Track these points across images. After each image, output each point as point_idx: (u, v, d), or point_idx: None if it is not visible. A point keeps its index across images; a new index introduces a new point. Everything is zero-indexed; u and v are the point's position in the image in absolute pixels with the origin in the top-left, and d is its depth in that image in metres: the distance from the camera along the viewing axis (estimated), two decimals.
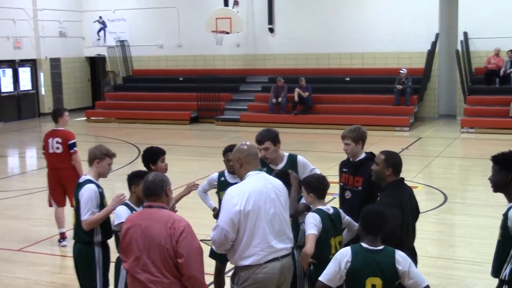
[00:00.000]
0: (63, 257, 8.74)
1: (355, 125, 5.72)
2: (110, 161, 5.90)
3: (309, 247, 4.77)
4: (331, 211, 5.01)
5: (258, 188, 4.61)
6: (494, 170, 4.50)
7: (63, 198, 9.00)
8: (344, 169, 5.73)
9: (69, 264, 8.36)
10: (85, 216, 5.58)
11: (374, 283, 4.13)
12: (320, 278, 4.27)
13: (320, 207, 5.00)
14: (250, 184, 4.64)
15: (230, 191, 4.66)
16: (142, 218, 4.28)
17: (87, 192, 5.62)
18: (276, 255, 4.63)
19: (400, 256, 4.20)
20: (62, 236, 8.95)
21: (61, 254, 8.83)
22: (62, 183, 8.89)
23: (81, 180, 5.83)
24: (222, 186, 6.01)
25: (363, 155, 5.63)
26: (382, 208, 4.44)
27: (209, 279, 7.14)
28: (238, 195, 4.55)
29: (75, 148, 8.86)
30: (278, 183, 4.81)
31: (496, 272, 4.42)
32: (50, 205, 9.18)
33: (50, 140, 8.92)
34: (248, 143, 4.90)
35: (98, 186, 5.74)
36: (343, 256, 4.23)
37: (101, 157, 5.83)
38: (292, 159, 5.78)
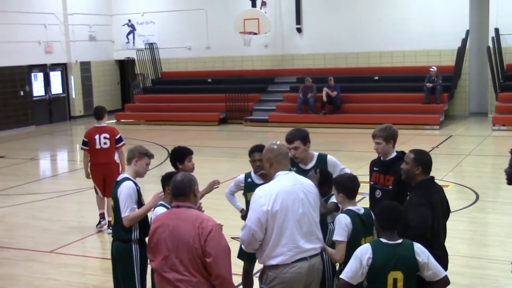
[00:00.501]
0: (94, 258, 8.83)
1: (386, 124, 5.69)
2: (148, 160, 5.97)
3: (340, 257, 4.80)
4: (361, 211, 4.97)
5: (287, 188, 4.62)
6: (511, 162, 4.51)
7: (106, 189, 9.65)
8: (375, 168, 5.69)
9: (100, 265, 8.45)
10: (125, 213, 5.65)
11: (395, 277, 4.20)
12: (342, 276, 4.33)
13: (350, 207, 4.97)
14: (278, 184, 4.65)
15: (258, 191, 4.67)
16: (170, 218, 4.31)
17: (125, 189, 5.69)
18: (304, 255, 4.62)
19: (419, 248, 4.27)
20: (102, 217, 9.81)
21: (92, 256, 8.93)
22: (105, 176, 9.57)
23: (119, 178, 5.91)
24: (249, 187, 6.00)
25: (394, 154, 5.59)
26: (395, 203, 4.48)
27: (237, 279, 7.14)
28: (266, 196, 4.57)
29: (123, 142, 9.74)
30: (308, 183, 4.81)
31: None
32: (96, 192, 9.96)
33: (97, 136, 9.55)
34: (278, 142, 4.90)
35: (136, 184, 5.82)
36: (363, 252, 4.29)
37: (140, 156, 5.91)
38: (322, 159, 5.76)
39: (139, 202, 5.78)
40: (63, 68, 25.22)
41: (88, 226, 10.17)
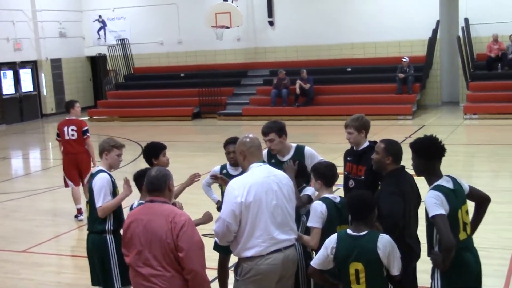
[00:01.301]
0: (68, 256, 8.76)
1: (358, 114, 5.71)
2: (118, 151, 5.98)
3: (315, 243, 4.86)
4: (337, 199, 5.01)
5: (260, 180, 4.63)
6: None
7: (78, 178, 10.23)
8: (348, 158, 5.72)
9: (74, 263, 8.38)
10: (99, 203, 5.70)
11: (357, 268, 4.25)
12: (311, 263, 4.48)
13: (326, 195, 5.01)
14: (252, 176, 4.67)
15: (232, 183, 4.69)
16: (144, 212, 4.32)
17: (100, 181, 5.75)
18: (278, 246, 4.63)
19: (383, 242, 4.25)
20: (79, 212, 10.12)
21: (66, 254, 8.85)
22: (78, 165, 10.19)
23: (94, 171, 6.00)
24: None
25: (366, 144, 5.61)
26: (363, 193, 4.49)
27: (213, 273, 7.14)
28: (239, 187, 4.58)
29: (88, 134, 10.25)
30: (282, 175, 4.82)
31: (428, 251, 4.54)
32: (67, 186, 10.37)
33: (65, 128, 10.18)
34: (251, 135, 4.91)
35: (110, 176, 5.86)
36: (330, 242, 4.39)
37: (109, 149, 5.93)
38: (300, 150, 5.79)
39: (114, 194, 5.81)
40: (33, 65, 24.91)
41: (61, 224, 10.08)
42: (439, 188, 4.41)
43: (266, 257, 4.58)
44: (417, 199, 5.17)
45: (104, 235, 5.75)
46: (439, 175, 4.54)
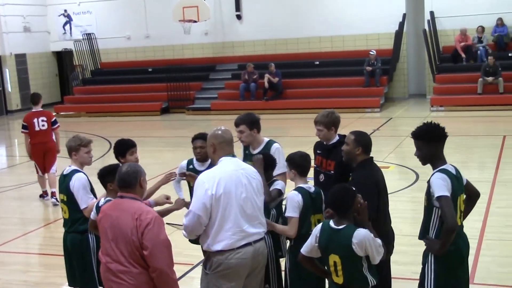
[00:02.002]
0: (35, 255, 8.63)
1: (329, 110, 5.68)
2: (86, 149, 5.86)
3: (294, 232, 4.95)
4: (312, 189, 5.06)
5: (229, 172, 4.63)
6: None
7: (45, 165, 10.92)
8: (318, 151, 5.72)
9: (42, 261, 8.26)
10: (84, 204, 5.61)
11: (335, 260, 4.29)
12: (301, 250, 4.51)
13: (301, 185, 5.05)
14: (221, 169, 4.66)
15: (201, 176, 4.66)
16: (113, 208, 4.32)
17: (78, 182, 5.64)
18: (248, 240, 4.63)
19: (359, 237, 4.21)
20: (53, 194, 10.60)
21: (34, 253, 8.72)
22: (45, 154, 10.85)
23: (65, 172, 5.80)
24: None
25: (336, 139, 5.61)
26: (344, 186, 4.47)
27: (184, 268, 7.11)
28: (209, 180, 4.56)
29: (58, 124, 11.06)
30: (251, 169, 4.82)
31: (422, 235, 4.69)
32: (37, 172, 11.01)
33: (35, 119, 10.78)
34: (223, 128, 4.89)
35: (85, 174, 5.77)
36: (316, 230, 4.44)
37: (76, 148, 5.83)
38: (268, 145, 5.79)
39: (92, 191, 5.73)
40: None
41: (29, 222, 9.94)
42: (446, 172, 4.49)
43: (236, 250, 4.57)
44: (386, 191, 5.20)
45: (86, 234, 5.64)
46: (444, 160, 4.61)
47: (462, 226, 4.63)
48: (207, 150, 4.99)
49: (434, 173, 4.52)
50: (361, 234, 4.23)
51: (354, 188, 4.40)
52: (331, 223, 4.34)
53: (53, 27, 26.48)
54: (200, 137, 5.94)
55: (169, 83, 22.67)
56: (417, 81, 22.58)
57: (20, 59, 25.20)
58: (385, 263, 5.03)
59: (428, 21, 20.57)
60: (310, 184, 5.12)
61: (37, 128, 10.74)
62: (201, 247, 4.79)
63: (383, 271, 4.84)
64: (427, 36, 20.16)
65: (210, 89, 22.86)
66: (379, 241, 4.32)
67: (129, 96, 23.32)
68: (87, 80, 25.25)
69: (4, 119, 23.98)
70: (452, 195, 4.41)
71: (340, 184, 4.51)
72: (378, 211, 4.91)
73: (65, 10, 26.14)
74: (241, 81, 21.42)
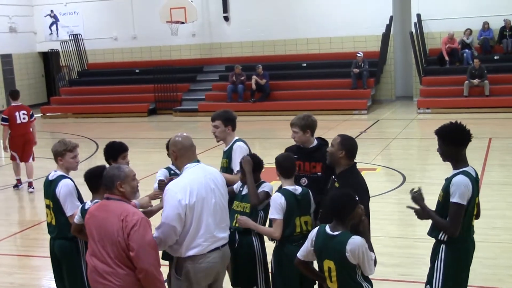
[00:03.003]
0: (21, 256, 8.56)
1: (305, 113, 5.65)
2: (72, 154, 5.71)
3: (279, 234, 4.96)
4: (298, 191, 5.03)
5: (198, 180, 4.62)
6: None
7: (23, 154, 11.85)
8: (294, 156, 5.56)
9: (27, 263, 8.21)
10: (71, 212, 5.43)
11: (329, 265, 4.24)
12: (297, 254, 4.47)
13: (286, 187, 5.03)
14: (191, 176, 4.63)
15: (171, 187, 4.59)
16: (100, 209, 4.34)
17: (64, 188, 5.49)
18: (217, 245, 4.68)
19: (353, 246, 4.15)
20: (19, 182, 11.82)
21: (20, 254, 8.65)
22: (24, 144, 11.79)
23: (51, 177, 5.65)
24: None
25: (316, 142, 5.61)
26: (348, 192, 4.38)
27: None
28: (181, 190, 4.52)
29: (35, 116, 12.17)
30: (216, 172, 4.85)
31: (432, 231, 4.66)
32: (14, 159, 11.88)
33: (17, 113, 11.72)
34: (184, 134, 4.85)
35: (71, 179, 5.62)
36: (312, 234, 4.40)
37: (62, 153, 5.67)
38: (233, 144, 5.88)
39: (79, 197, 5.60)
40: None
41: (14, 223, 9.87)
42: (468, 175, 4.50)
43: (207, 255, 4.62)
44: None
45: (76, 239, 5.52)
46: (466, 162, 4.60)
47: (473, 230, 4.68)
48: (170, 158, 4.96)
49: (457, 174, 4.52)
50: (355, 242, 4.16)
51: (357, 197, 4.34)
52: (327, 229, 4.29)
53: (39, 28, 26.35)
54: None
55: (156, 84, 22.62)
56: (404, 83, 22.69)
57: (6, 59, 25.05)
58: None
59: (415, 23, 20.68)
60: (297, 186, 5.09)
61: (18, 121, 11.68)
62: (169, 252, 4.77)
63: None
64: (414, 39, 20.27)
65: (198, 91, 22.84)
66: (373, 255, 4.27)
67: (116, 97, 23.24)
68: (74, 81, 25.13)
69: None
70: (472, 197, 4.48)
71: (343, 190, 4.44)
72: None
73: (52, 11, 26.02)
74: (229, 82, 21.42)
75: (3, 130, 11.89)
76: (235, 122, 5.93)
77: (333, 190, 4.91)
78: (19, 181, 11.86)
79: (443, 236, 4.54)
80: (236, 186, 5.44)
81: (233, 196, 5.40)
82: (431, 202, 4.76)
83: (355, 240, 4.17)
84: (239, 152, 5.74)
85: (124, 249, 4.14)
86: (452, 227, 4.44)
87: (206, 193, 4.60)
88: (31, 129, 11.94)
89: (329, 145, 5.16)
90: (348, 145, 4.99)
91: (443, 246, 4.57)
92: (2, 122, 11.82)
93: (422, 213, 4.63)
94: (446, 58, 20.38)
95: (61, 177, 5.59)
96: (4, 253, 8.59)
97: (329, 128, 15.42)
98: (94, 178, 5.15)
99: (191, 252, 4.57)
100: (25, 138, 11.85)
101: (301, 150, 5.57)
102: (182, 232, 4.54)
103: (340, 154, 4.94)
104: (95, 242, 4.24)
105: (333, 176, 5.06)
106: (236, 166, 5.69)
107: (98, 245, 4.21)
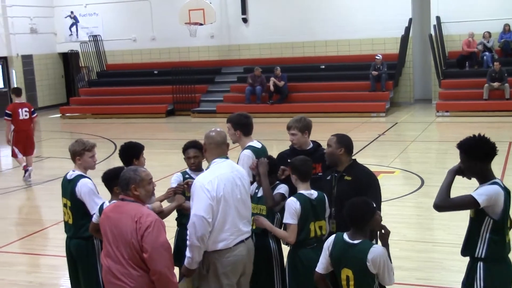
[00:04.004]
0: (40, 256, 8.64)
1: (301, 115, 5.75)
2: (90, 154, 5.78)
3: (293, 239, 4.95)
4: (314, 196, 5.01)
5: (225, 175, 4.75)
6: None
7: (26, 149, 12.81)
8: (289, 160, 5.49)
9: (46, 262, 8.28)
10: (94, 210, 5.43)
11: (347, 274, 4.19)
12: (317, 270, 4.38)
13: (302, 191, 5.00)
14: (219, 171, 4.77)
15: (200, 179, 4.71)
16: (114, 211, 4.35)
17: (85, 187, 5.56)
18: (242, 238, 4.79)
19: (375, 255, 4.12)
20: (25, 168, 12.70)
21: (38, 253, 8.73)
22: (26, 139, 12.70)
23: (69, 176, 5.73)
24: None
25: (311, 144, 5.68)
26: (366, 200, 4.35)
27: None
28: (209, 183, 4.65)
29: (36, 113, 13.12)
30: (242, 171, 5.00)
31: (466, 249, 4.41)
32: (14, 156, 12.78)
33: (20, 110, 12.60)
34: (218, 129, 4.99)
35: (89, 179, 5.69)
36: (328, 243, 4.35)
37: (81, 153, 5.76)
38: (243, 151, 5.79)
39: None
40: (4, 61, 24.52)
41: (33, 223, 9.95)
42: (500, 185, 4.28)
43: (233, 249, 4.72)
44: None
45: (91, 239, 5.60)
46: (494, 176, 4.36)
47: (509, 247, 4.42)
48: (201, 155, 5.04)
49: (488, 184, 4.29)
50: (377, 252, 4.13)
51: (374, 205, 4.31)
52: (345, 237, 4.25)
53: (59, 29, 26.56)
54: (192, 146, 5.79)
55: (174, 85, 22.70)
56: (423, 86, 22.56)
57: (27, 60, 25.28)
58: None
59: (434, 26, 20.55)
60: (312, 191, 5.06)
61: (21, 117, 12.59)
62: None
63: None
64: (433, 41, 20.14)
65: (216, 92, 22.88)
66: (392, 266, 4.24)
67: (135, 98, 23.37)
68: (93, 82, 25.31)
69: None
70: (506, 210, 4.24)
71: (361, 198, 4.38)
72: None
73: (72, 12, 26.22)
74: (247, 84, 21.44)
75: (6, 125, 12.78)
76: (248, 128, 5.80)
77: (343, 185, 5.01)
78: (25, 167, 12.70)
79: (480, 253, 4.30)
80: (252, 188, 5.43)
81: None
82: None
83: (377, 249, 4.15)
84: (242, 162, 5.65)
85: (137, 251, 4.15)
86: (442, 202, 4.27)
87: (232, 188, 4.73)
88: (32, 125, 12.84)
89: (326, 146, 5.21)
90: (346, 141, 5.13)
91: (480, 264, 4.31)
92: (6, 118, 12.65)
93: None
94: (464, 53, 20.12)
95: (79, 177, 5.66)
96: (23, 252, 8.68)
97: (347, 131, 15.30)
98: (112, 179, 5.15)
99: (218, 246, 4.67)
100: (27, 133, 12.74)
101: (297, 153, 5.53)
102: None
103: (340, 152, 5.08)
104: (110, 243, 4.25)
105: (335, 174, 5.12)
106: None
107: (113, 246, 4.22)
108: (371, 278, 4.16)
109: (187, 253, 4.64)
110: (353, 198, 4.37)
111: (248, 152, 5.71)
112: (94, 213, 5.35)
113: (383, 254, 4.15)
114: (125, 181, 4.34)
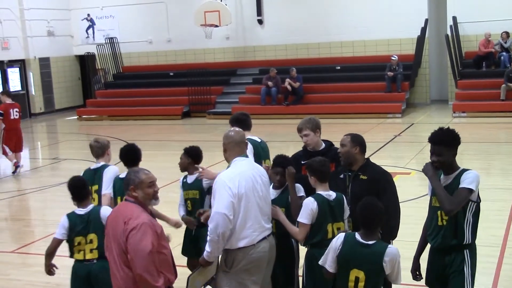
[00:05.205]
0: (56, 256, 8.66)
1: (309, 116, 5.81)
2: (109, 149, 6.62)
3: (302, 237, 4.97)
4: (332, 197, 5.00)
5: (246, 173, 4.85)
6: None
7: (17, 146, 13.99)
8: (302, 162, 5.57)
9: (63, 263, 8.30)
10: (106, 190, 6.28)
11: (358, 275, 4.20)
12: (327, 267, 4.40)
13: (320, 192, 4.99)
14: (240, 169, 4.86)
15: (222, 177, 4.81)
16: (115, 209, 4.55)
17: (112, 170, 6.32)
18: (264, 235, 4.87)
19: (390, 255, 4.18)
20: (16, 164, 13.84)
21: (56, 254, 8.76)
22: (16, 137, 13.89)
23: (95, 167, 6.43)
24: (184, 186, 6.22)
25: (323, 145, 5.70)
26: (376, 201, 4.40)
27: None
28: (230, 180, 4.74)
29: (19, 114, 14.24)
30: (262, 169, 5.08)
31: (454, 238, 4.61)
32: (5, 154, 13.85)
33: (11, 110, 13.77)
34: (236, 129, 5.15)
35: None
36: (336, 244, 4.34)
37: (108, 146, 6.55)
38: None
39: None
40: (21, 64, 24.75)
41: (51, 224, 10.00)
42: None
43: (256, 245, 4.79)
44: None
45: None
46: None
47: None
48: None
49: (463, 170, 4.60)
50: (394, 252, 4.20)
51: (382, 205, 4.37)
52: (358, 237, 4.26)
53: (76, 31, 26.76)
54: (184, 152, 6.23)
55: (190, 87, 22.77)
56: (439, 86, 22.43)
57: (44, 62, 25.49)
58: None
59: (451, 26, 20.43)
60: (331, 192, 5.05)
61: (12, 117, 13.70)
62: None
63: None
64: (449, 42, 20.02)
65: (231, 94, 22.91)
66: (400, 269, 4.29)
67: (151, 100, 23.47)
68: (109, 84, 25.45)
69: (28, 122, 24.22)
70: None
71: (373, 198, 4.42)
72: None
73: (88, 15, 26.41)
74: (262, 85, 21.43)
75: None
76: (244, 123, 6.12)
77: (358, 184, 5.02)
78: (16, 163, 13.80)
79: (467, 239, 4.53)
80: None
81: None
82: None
83: (393, 250, 4.20)
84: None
85: (124, 251, 4.22)
86: (454, 205, 4.40)
87: (253, 185, 4.81)
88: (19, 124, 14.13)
89: (340, 146, 5.21)
90: (360, 140, 5.16)
91: (467, 251, 4.57)
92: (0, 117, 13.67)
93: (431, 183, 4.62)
94: (480, 54, 19.98)
95: (107, 165, 6.42)
96: (40, 253, 8.71)
97: (363, 132, 15.28)
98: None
99: (241, 243, 4.74)
100: (17, 132, 13.96)
101: (311, 154, 5.56)
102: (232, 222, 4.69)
103: (355, 151, 5.10)
104: (109, 240, 4.38)
105: (349, 173, 5.12)
106: None
107: (110, 244, 4.34)
108: (382, 278, 4.20)
109: (207, 248, 4.71)
110: (366, 199, 4.39)
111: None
112: (106, 194, 6.15)
113: (398, 254, 4.21)
114: (126, 181, 4.43)
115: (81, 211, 5.39)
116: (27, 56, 24.76)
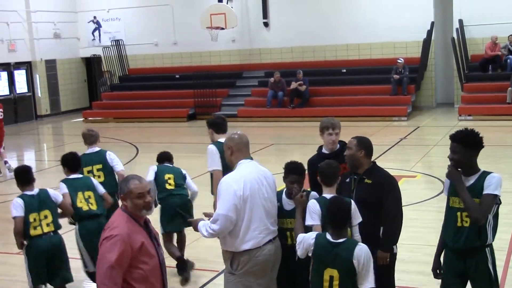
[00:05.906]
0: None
1: (328, 117, 5.88)
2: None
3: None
4: None
5: (252, 175, 4.84)
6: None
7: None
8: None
9: (75, 263, 8.31)
10: (119, 168, 7.76)
11: (331, 274, 4.24)
12: (300, 255, 4.52)
13: (325, 195, 4.93)
14: (245, 171, 4.86)
15: (227, 179, 4.82)
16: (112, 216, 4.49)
17: (112, 153, 7.58)
18: (270, 237, 4.84)
19: (360, 252, 4.21)
20: (6, 162, 14.73)
21: None
22: (1, 136, 14.88)
23: (90, 151, 7.75)
24: None
25: (338, 145, 5.76)
26: (345, 199, 4.52)
27: (210, 274, 7.12)
28: (235, 182, 4.75)
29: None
30: (267, 171, 5.04)
31: (477, 239, 4.59)
32: None
33: None
34: (239, 132, 5.10)
35: None
36: (307, 243, 4.41)
37: (99, 135, 7.81)
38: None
39: None
40: (28, 66, 24.84)
41: (62, 222, 10.00)
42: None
43: (262, 248, 4.77)
44: None
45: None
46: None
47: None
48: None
49: (485, 172, 4.60)
50: (363, 249, 4.22)
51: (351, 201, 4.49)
52: (328, 237, 4.31)
53: (82, 34, 26.84)
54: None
55: (196, 89, 22.78)
56: (445, 89, 22.39)
57: (50, 64, 25.57)
58: (391, 269, 5.06)
59: (457, 29, 20.39)
60: (336, 196, 4.96)
61: None
62: (224, 248, 4.89)
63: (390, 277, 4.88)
64: (455, 44, 19.98)
65: (237, 96, 22.92)
66: (372, 270, 4.29)
67: (156, 102, 23.50)
68: (115, 86, 25.51)
69: (34, 124, 24.31)
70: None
71: (341, 197, 4.53)
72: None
73: (95, 17, 26.48)
74: (268, 88, 21.43)
75: None
76: (219, 126, 6.88)
77: (363, 188, 5.01)
78: (6, 162, 14.81)
79: (489, 239, 4.53)
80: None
81: None
82: None
83: (362, 247, 4.25)
84: (209, 154, 6.55)
85: None
86: (482, 213, 4.39)
87: (259, 187, 4.80)
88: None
89: (346, 149, 5.20)
90: (366, 144, 5.13)
91: (488, 249, 4.57)
92: None
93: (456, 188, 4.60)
94: (486, 57, 19.94)
95: (104, 150, 7.62)
96: None
97: (369, 135, 15.21)
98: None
99: (247, 246, 4.73)
100: (2, 130, 15.02)
101: (324, 156, 5.57)
102: (236, 225, 4.70)
103: (360, 154, 5.08)
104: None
105: (355, 176, 5.10)
106: (211, 167, 6.47)
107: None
108: (355, 279, 4.21)
109: (203, 232, 4.80)
110: (333, 197, 4.50)
111: (211, 146, 6.50)
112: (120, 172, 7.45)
113: (368, 253, 4.23)
114: (120, 189, 4.32)
115: (30, 192, 6.27)
116: (34, 58, 24.85)
